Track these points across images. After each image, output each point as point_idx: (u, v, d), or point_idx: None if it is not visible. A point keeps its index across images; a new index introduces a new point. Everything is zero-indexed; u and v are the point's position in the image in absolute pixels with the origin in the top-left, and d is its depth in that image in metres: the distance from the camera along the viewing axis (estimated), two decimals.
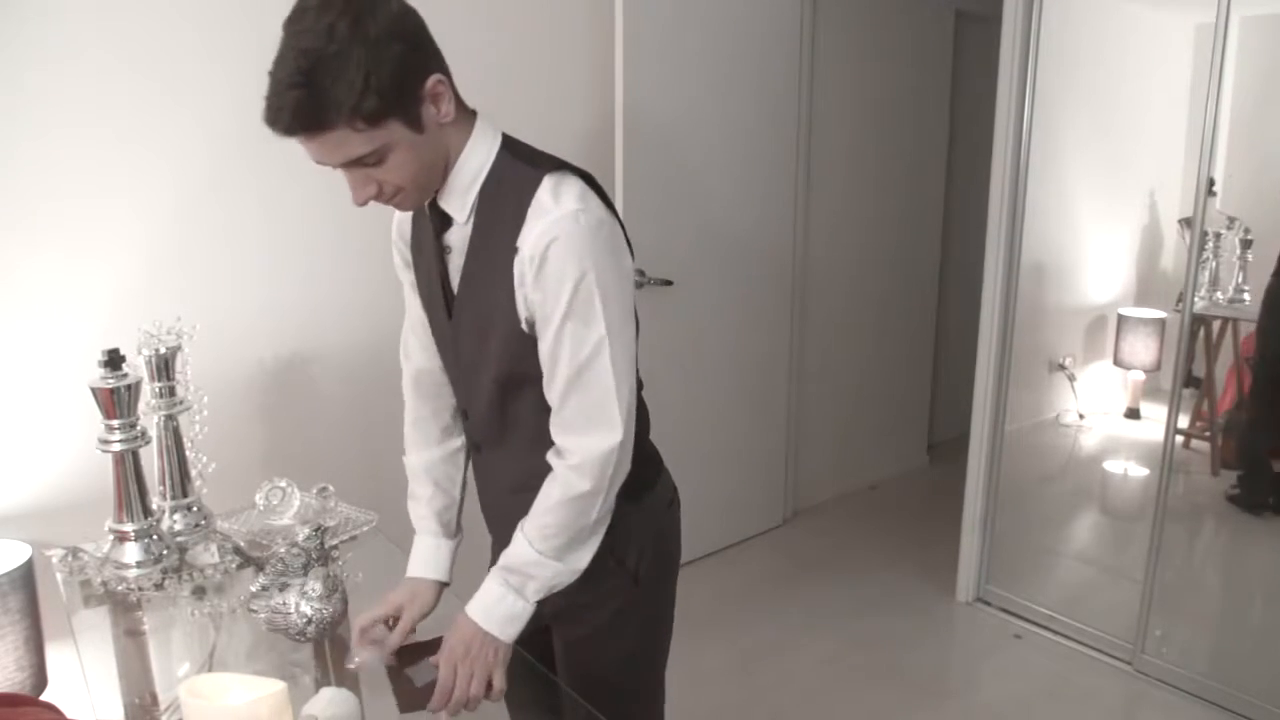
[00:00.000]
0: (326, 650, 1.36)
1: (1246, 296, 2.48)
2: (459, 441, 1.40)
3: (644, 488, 1.26)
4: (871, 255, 3.74)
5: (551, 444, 1.17)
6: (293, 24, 0.99)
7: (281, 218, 2.13)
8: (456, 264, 1.18)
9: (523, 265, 1.09)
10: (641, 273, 2.80)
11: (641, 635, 1.34)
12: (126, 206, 1.91)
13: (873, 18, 3.51)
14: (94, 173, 1.87)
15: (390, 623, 1.30)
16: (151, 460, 1.64)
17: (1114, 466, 3.01)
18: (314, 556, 1.31)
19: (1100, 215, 2.89)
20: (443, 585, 1.37)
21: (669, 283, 2.88)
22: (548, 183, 1.10)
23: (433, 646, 1.22)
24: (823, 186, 3.45)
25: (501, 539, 1.34)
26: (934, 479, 4.04)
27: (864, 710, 2.46)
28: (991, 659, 2.72)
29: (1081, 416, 3.02)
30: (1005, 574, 2.95)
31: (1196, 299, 2.40)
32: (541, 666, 1.33)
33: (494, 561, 1.37)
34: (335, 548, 1.59)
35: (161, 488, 1.66)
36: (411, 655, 1.27)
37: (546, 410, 1.16)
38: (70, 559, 1.65)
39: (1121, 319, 2.87)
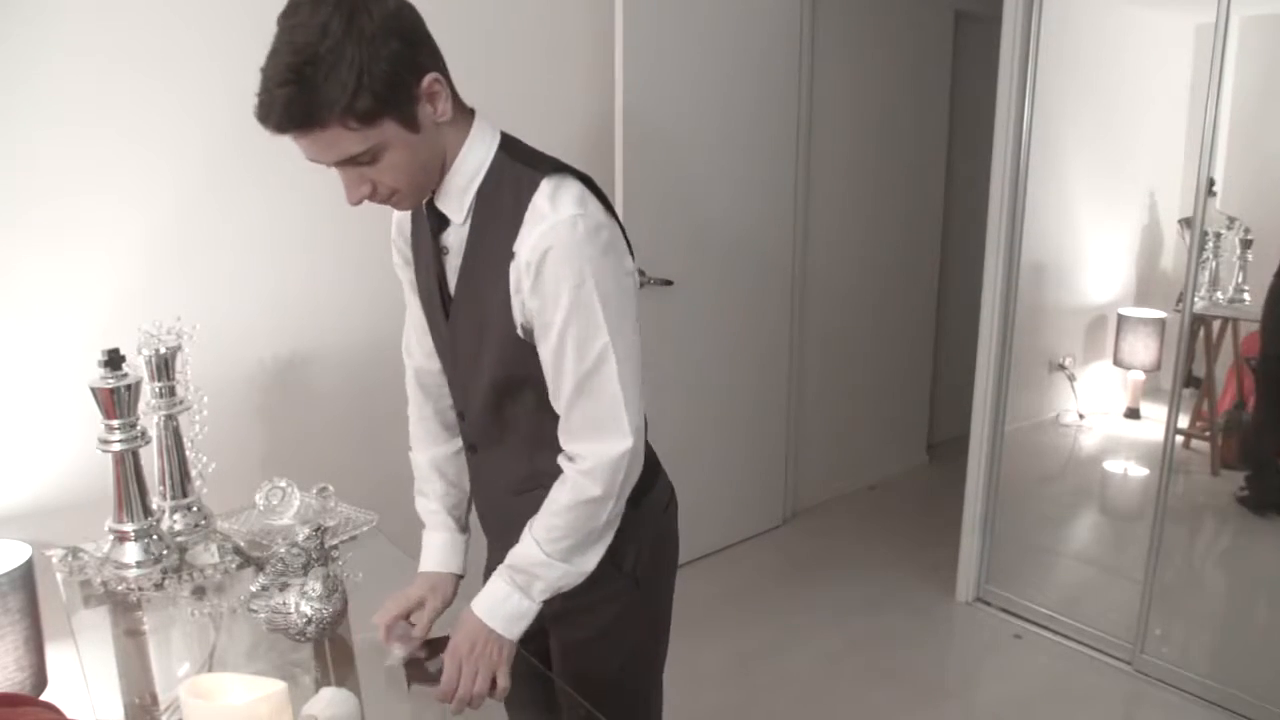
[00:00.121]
0: (326, 650, 1.36)
1: (1246, 296, 2.48)
2: None
3: (642, 491, 1.25)
4: (871, 255, 3.74)
5: (548, 446, 1.17)
6: (286, 18, 0.97)
7: (282, 217, 2.13)
8: (454, 265, 1.17)
9: (519, 271, 1.08)
10: (641, 273, 2.80)
11: (640, 637, 1.33)
12: (126, 206, 1.91)
13: (873, 18, 3.51)
14: (94, 172, 1.87)
15: (409, 618, 1.31)
16: (151, 460, 1.64)
17: (1114, 466, 3.01)
18: (314, 556, 1.31)
19: (1100, 215, 2.89)
20: (458, 579, 1.37)
21: (669, 283, 2.89)
22: (545, 186, 1.08)
23: (445, 644, 1.23)
24: (822, 186, 3.45)
25: (496, 540, 1.35)
26: (934, 479, 4.04)
27: (864, 710, 2.46)
28: (991, 659, 2.72)
29: (1081, 416, 3.02)
30: (1005, 574, 2.95)
31: (1196, 299, 2.40)
32: (541, 666, 1.33)
33: (489, 564, 1.38)
34: (335, 548, 1.59)
35: (161, 488, 1.66)
36: (434, 649, 1.28)
37: (543, 413, 1.16)
38: (70, 559, 1.65)
39: (1121, 319, 2.87)
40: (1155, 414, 2.72)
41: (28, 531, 1.77)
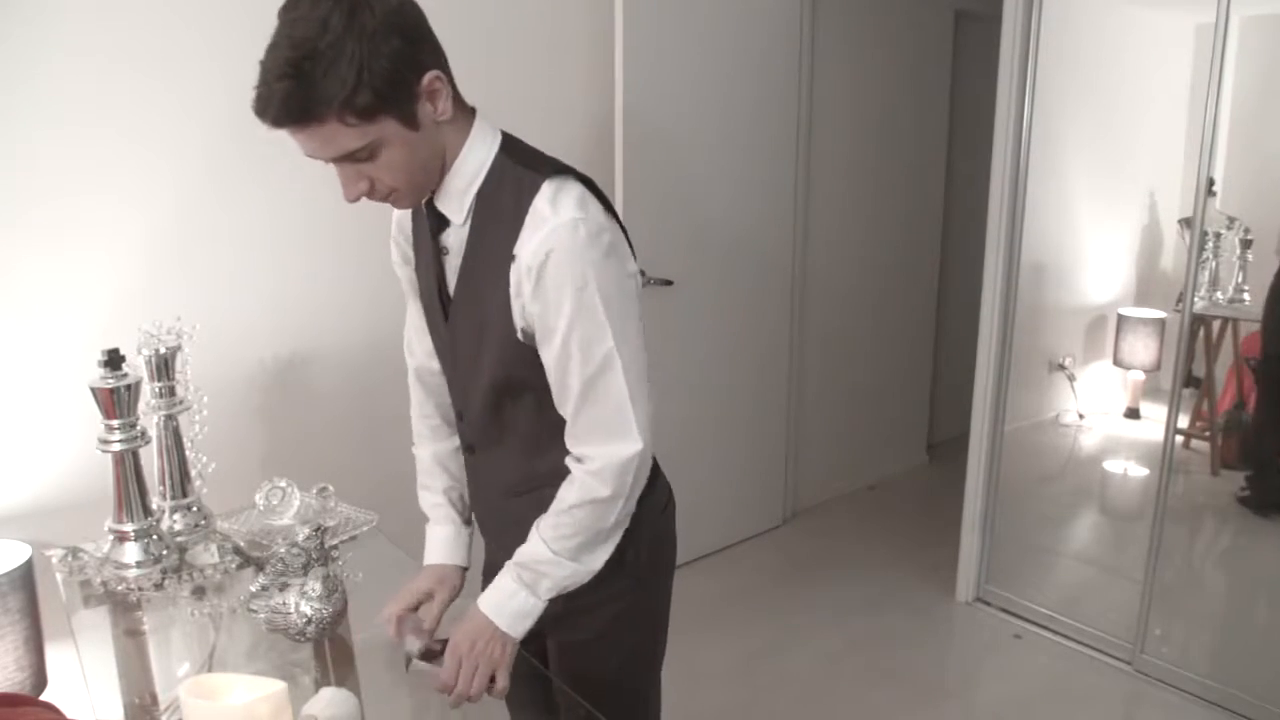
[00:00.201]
0: (326, 650, 1.36)
1: (1246, 296, 2.48)
2: None
3: (642, 492, 1.25)
4: (871, 255, 3.74)
5: (547, 447, 1.16)
6: (287, 12, 0.97)
7: (282, 217, 2.13)
8: (454, 265, 1.17)
9: (520, 274, 1.07)
10: (642, 273, 2.76)
11: (639, 637, 1.33)
12: (126, 206, 1.91)
13: (873, 18, 3.51)
14: (94, 172, 1.86)
15: (417, 610, 1.30)
16: (151, 460, 1.64)
17: (1114, 466, 3.01)
18: (314, 556, 1.31)
19: (1100, 215, 2.89)
20: (464, 571, 1.37)
21: (669, 283, 2.89)
22: (546, 189, 1.07)
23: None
24: (822, 186, 3.45)
25: (494, 541, 1.34)
26: (934, 479, 4.04)
27: (864, 710, 2.46)
28: (991, 659, 2.72)
29: (1081, 416, 3.02)
30: (1005, 574, 2.95)
31: (1196, 299, 2.40)
32: (541, 667, 1.33)
33: (487, 565, 1.38)
34: (335, 548, 1.59)
35: (161, 488, 1.66)
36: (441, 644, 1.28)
37: (543, 415, 1.16)
38: (70, 559, 1.65)
39: (1121, 319, 2.87)
40: (1155, 414, 2.72)
41: (28, 531, 1.77)
